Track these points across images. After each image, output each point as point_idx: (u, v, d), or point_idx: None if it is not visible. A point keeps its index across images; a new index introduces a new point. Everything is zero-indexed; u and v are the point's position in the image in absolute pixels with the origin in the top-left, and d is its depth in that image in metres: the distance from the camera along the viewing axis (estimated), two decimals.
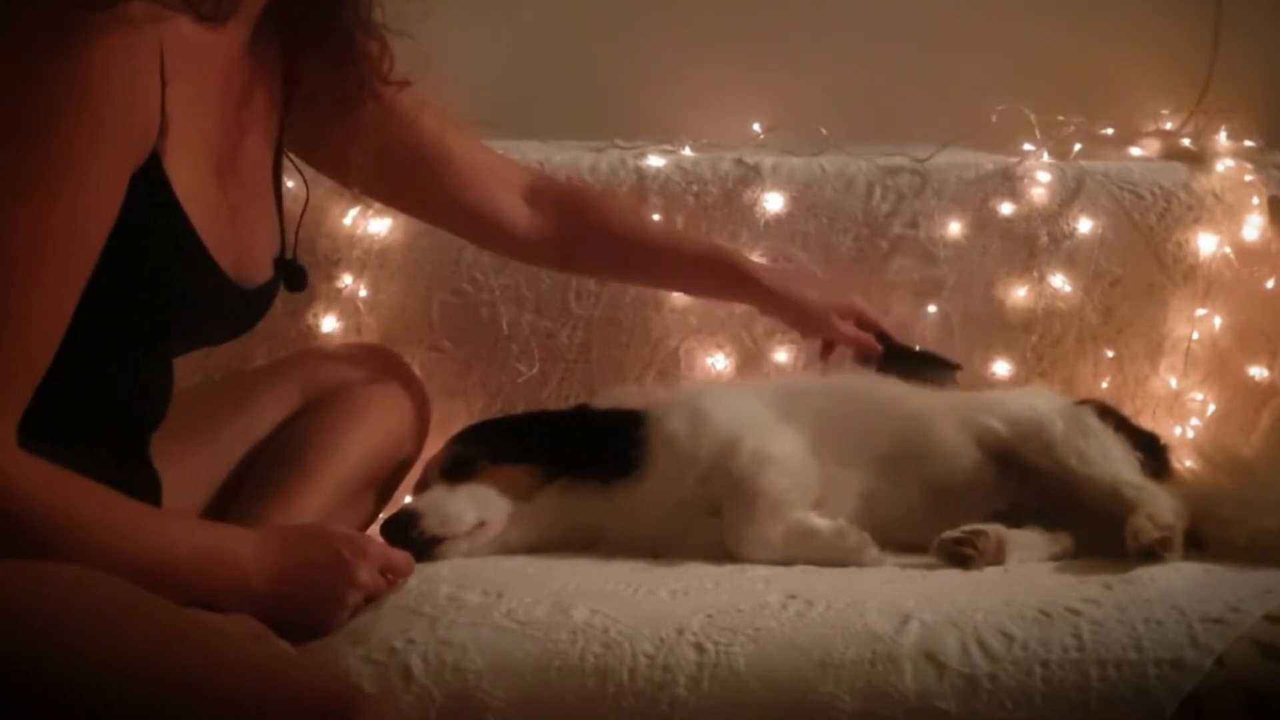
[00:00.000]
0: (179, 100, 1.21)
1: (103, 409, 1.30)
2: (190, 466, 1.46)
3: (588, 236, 1.70)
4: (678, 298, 1.93)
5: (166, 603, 1.08)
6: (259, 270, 1.39)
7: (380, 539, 1.41)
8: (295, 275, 1.48)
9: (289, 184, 1.55)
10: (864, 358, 1.77)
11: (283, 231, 1.46)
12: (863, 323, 1.78)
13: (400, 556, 1.33)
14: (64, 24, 1.10)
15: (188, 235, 1.24)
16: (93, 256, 1.15)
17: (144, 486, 1.36)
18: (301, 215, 1.51)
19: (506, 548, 1.52)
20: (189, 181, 1.24)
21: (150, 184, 1.19)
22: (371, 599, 1.27)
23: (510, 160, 1.71)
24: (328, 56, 1.40)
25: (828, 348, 1.80)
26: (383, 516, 1.60)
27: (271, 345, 1.85)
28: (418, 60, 1.48)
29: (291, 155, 1.52)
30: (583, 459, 1.54)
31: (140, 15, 1.14)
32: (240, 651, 1.06)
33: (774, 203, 1.95)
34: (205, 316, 1.34)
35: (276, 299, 1.47)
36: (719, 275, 1.74)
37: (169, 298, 1.27)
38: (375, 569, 1.27)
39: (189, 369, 1.80)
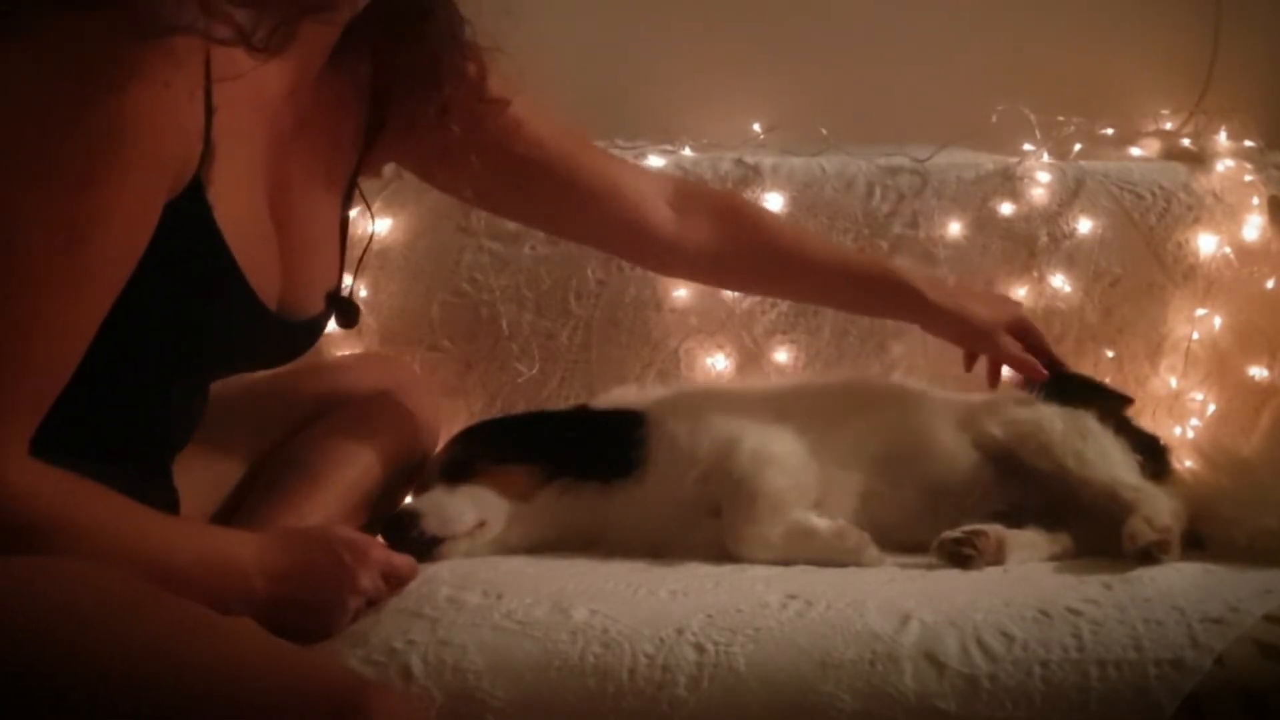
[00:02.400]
0: (227, 128, 1.19)
1: (135, 431, 1.30)
2: (198, 473, 1.45)
3: (744, 246, 1.62)
4: (678, 298, 1.93)
5: (173, 597, 1.08)
6: (308, 304, 1.37)
7: (382, 542, 1.41)
8: (347, 311, 1.47)
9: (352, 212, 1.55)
10: (1028, 382, 1.65)
11: (342, 268, 1.45)
12: (1030, 343, 1.67)
13: (403, 561, 1.33)
14: (104, 57, 1.09)
15: (227, 264, 1.22)
16: (117, 285, 1.14)
17: (162, 503, 1.35)
18: (363, 254, 1.48)
19: (506, 548, 1.52)
20: (234, 210, 1.22)
21: (192, 210, 1.18)
22: (373, 603, 1.27)
23: (651, 170, 1.67)
24: (418, 83, 1.38)
25: (994, 370, 1.69)
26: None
27: None
28: (514, 72, 1.46)
29: (363, 189, 1.49)
30: (583, 459, 1.54)
31: (183, 48, 1.12)
32: (249, 646, 1.06)
33: (774, 203, 1.95)
34: (242, 346, 1.34)
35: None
36: (880, 290, 1.64)
37: (204, 325, 1.26)
38: (377, 574, 1.27)
39: None
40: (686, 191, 1.64)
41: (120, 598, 1.05)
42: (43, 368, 1.12)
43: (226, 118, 1.19)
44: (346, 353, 1.88)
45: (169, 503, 1.37)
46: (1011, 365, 1.65)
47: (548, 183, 1.53)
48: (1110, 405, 1.64)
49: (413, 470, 1.62)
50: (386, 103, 1.40)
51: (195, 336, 1.27)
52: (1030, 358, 1.64)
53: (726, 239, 1.61)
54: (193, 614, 1.08)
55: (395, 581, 1.30)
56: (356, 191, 1.50)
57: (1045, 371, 1.65)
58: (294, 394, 1.58)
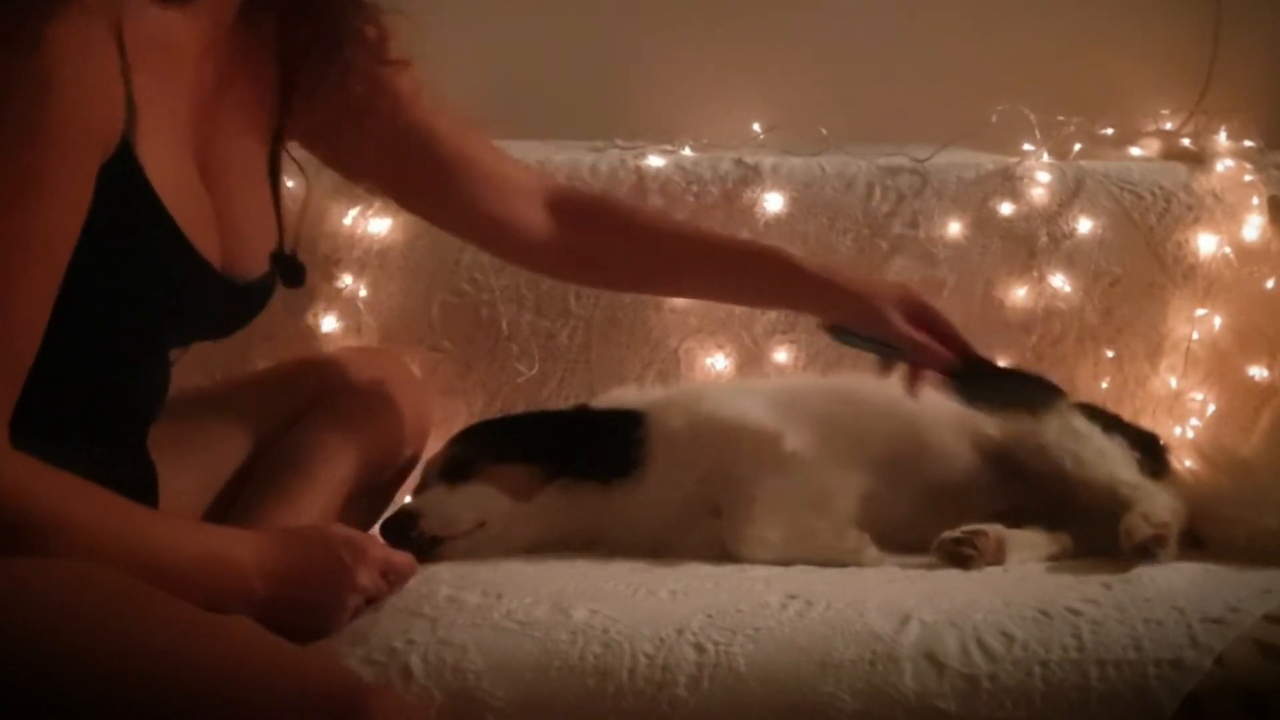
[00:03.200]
0: (146, 87, 1.20)
1: (98, 405, 1.30)
2: (191, 470, 1.45)
3: (608, 241, 1.60)
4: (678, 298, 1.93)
5: (172, 598, 1.08)
6: (251, 264, 1.38)
7: (381, 540, 1.41)
8: (292, 271, 1.46)
9: (289, 183, 1.55)
10: (939, 374, 1.52)
11: (281, 227, 1.45)
12: (934, 328, 1.53)
13: (401, 558, 1.33)
14: (18, 18, 1.10)
15: (164, 222, 1.24)
16: (66, 252, 1.15)
17: (141, 479, 1.36)
18: (303, 212, 1.49)
19: (506, 548, 1.51)
20: (164, 169, 1.23)
21: (124, 172, 1.19)
22: (372, 601, 1.27)
23: (532, 169, 1.66)
24: (320, 42, 1.39)
25: (914, 374, 1.54)
26: (383, 516, 1.61)
27: (272, 345, 1.85)
28: (413, 53, 1.45)
29: (291, 151, 1.50)
30: (583, 459, 1.54)
31: (96, 6, 1.13)
32: (248, 646, 1.06)
33: (774, 203, 1.95)
34: (194, 309, 1.33)
35: (276, 297, 1.46)
36: (761, 268, 1.58)
37: (151, 287, 1.26)
38: (376, 571, 1.27)
39: (191, 369, 1.80)
40: (562, 194, 1.62)
41: (119, 599, 1.05)
42: (6, 346, 1.12)
43: (146, 78, 1.20)
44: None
45: (146, 479, 1.37)
46: (908, 345, 1.51)
47: (433, 163, 1.51)
48: (1036, 398, 1.56)
49: (405, 463, 1.62)
50: (294, 64, 1.41)
51: (144, 302, 1.27)
52: (930, 341, 1.51)
53: (590, 236, 1.59)
54: (192, 615, 1.08)
55: (395, 579, 1.30)
56: (291, 159, 1.50)
57: (949, 354, 1.51)
58: (288, 387, 1.58)
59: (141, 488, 1.34)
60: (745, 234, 1.93)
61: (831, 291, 1.54)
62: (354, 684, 1.08)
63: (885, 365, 1.56)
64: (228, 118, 1.35)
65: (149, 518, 1.21)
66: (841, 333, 1.56)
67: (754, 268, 1.59)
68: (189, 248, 1.26)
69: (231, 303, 1.39)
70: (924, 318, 1.53)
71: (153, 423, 1.39)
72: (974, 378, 1.52)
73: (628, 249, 1.61)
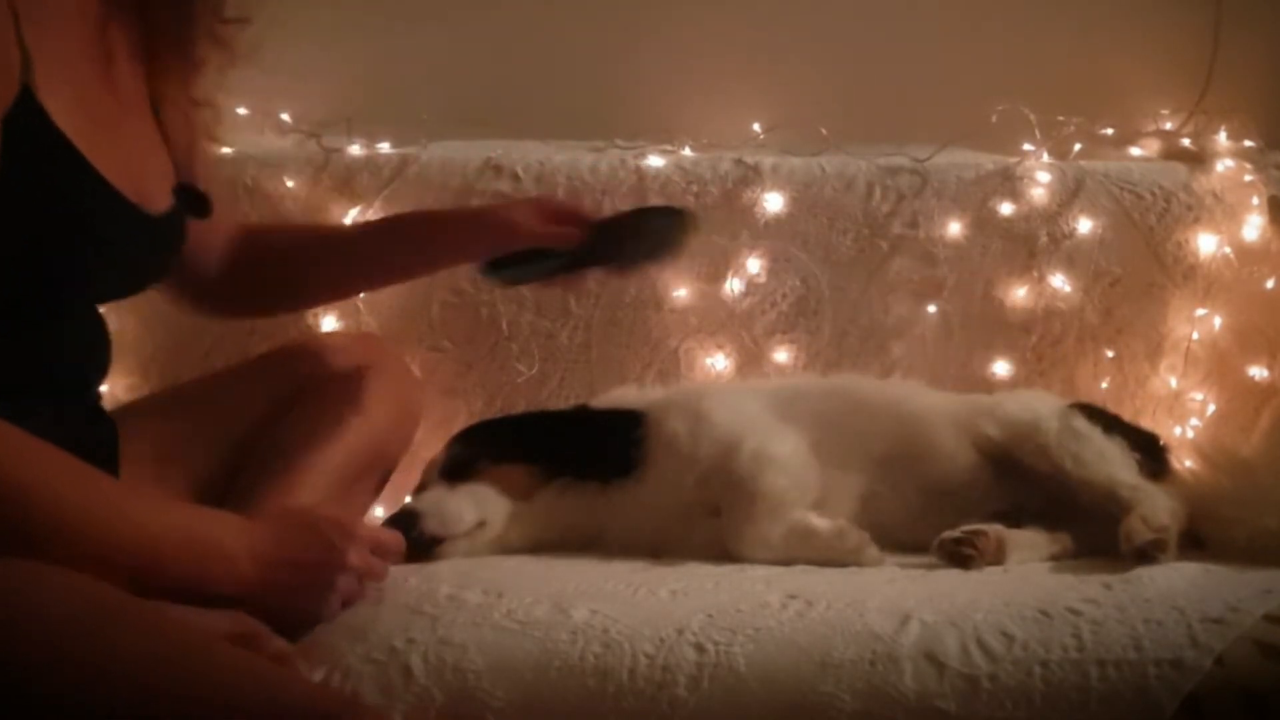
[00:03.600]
0: (38, 37, 1.23)
1: (38, 363, 1.30)
2: (184, 458, 1.46)
3: (261, 265, 1.61)
4: (678, 298, 1.93)
5: (158, 609, 1.07)
6: (158, 197, 1.39)
7: (367, 522, 1.40)
8: (197, 202, 1.46)
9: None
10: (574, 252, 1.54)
11: (176, 165, 1.45)
12: (562, 215, 1.58)
13: (388, 535, 1.33)
14: None
15: (75, 159, 1.26)
16: None
17: (100, 437, 1.37)
18: (194, 145, 1.47)
19: (506, 548, 1.52)
20: (67, 112, 1.25)
21: (29, 118, 1.21)
22: (365, 578, 1.27)
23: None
24: None
25: (573, 280, 1.63)
26: (383, 516, 1.61)
27: (272, 345, 1.84)
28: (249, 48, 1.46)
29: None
30: (583, 459, 1.54)
31: None
32: (233, 662, 1.05)
33: (774, 203, 1.95)
34: (117, 249, 1.34)
35: None
36: (406, 232, 1.62)
37: (72, 230, 1.28)
38: (365, 550, 1.27)
39: (192, 369, 1.82)
40: (241, 238, 1.62)
41: (103, 609, 1.02)
42: None
43: (36, 29, 1.22)
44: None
45: (106, 436, 1.38)
46: (544, 240, 1.55)
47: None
48: (665, 224, 1.58)
49: (395, 449, 1.62)
50: (147, 15, 1.42)
51: (68, 245, 1.28)
52: (559, 229, 1.56)
53: (244, 267, 1.60)
54: (177, 627, 1.06)
55: (384, 556, 1.30)
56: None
57: (575, 232, 1.55)
58: (274, 373, 1.58)
59: (102, 447, 1.35)
60: (745, 234, 1.94)
61: (467, 221, 1.62)
62: (342, 701, 1.07)
63: (550, 282, 1.61)
64: (114, 63, 1.37)
65: (130, 496, 1.20)
66: (497, 269, 1.57)
67: (402, 234, 1.64)
68: (100, 180, 1.28)
69: (149, 237, 1.38)
70: (557, 215, 1.58)
71: (101, 381, 1.39)
72: (607, 239, 1.56)
73: (275, 269, 1.62)
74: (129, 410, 1.56)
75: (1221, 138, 2.07)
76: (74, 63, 1.30)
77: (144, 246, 1.39)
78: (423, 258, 1.68)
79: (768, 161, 1.98)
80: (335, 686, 1.16)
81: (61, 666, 0.98)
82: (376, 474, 1.60)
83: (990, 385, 1.92)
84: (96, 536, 1.11)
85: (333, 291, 1.76)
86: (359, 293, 1.86)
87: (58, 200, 1.26)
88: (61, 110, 1.25)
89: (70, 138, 1.25)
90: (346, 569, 1.25)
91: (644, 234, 1.59)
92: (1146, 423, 1.88)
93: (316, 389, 1.55)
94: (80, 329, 1.37)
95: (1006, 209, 1.97)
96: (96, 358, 1.40)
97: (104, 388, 1.48)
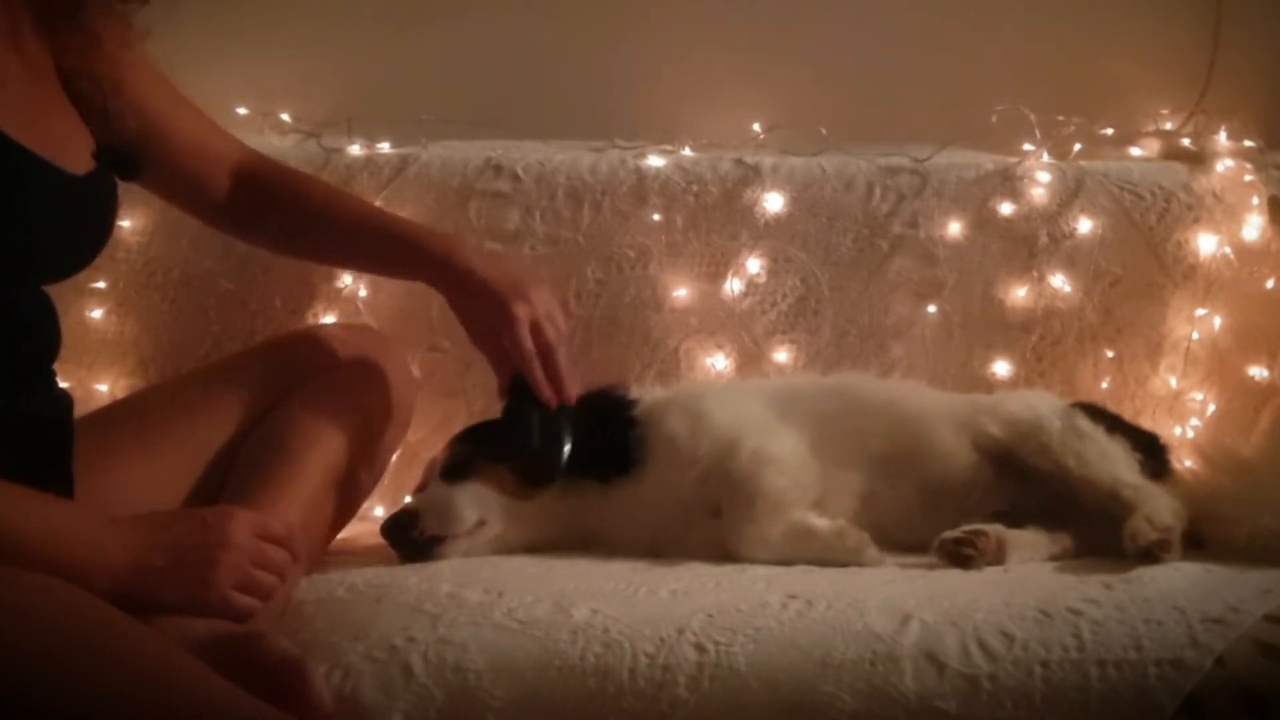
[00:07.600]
0: None
1: None
2: (174, 453, 1.46)
3: (268, 209, 1.65)
4: (678, 298, 1.93)
5: (124, 635, 1.06)
6: (77, 159, 1.38)
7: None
8: (123, 161, 1.46)
9: None
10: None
11: (93, 129, 1.44)
12: (539, 337, 1.55)
13: (272, 517, 1.29)
14: None
15: None
16: None
17: (54, 408, 1.38)
18: (106, 105, 1.47)
19: (506, 547, 1.52)
20: None
21: None
22: (265, 566, 1.24)
23: (234, 141, 1.67)
24: None
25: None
26: (383, 516, 1.60)
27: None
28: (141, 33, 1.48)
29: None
30: (582, 459, 1.54)
31: None
32: (195, 692, 1.04)
33: (774, 203, 1.95)
34: (42, 213, 1.33)
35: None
36: (411, 259, 1.59)
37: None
38: (247, 530, 1.24)
39: (187, 366, 1.82)
40: (251, 164, 1.66)
41: (65, 636, 1.02)
42: None
43: None
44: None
45: (61, 406, 1.39)
46: (508, 357, 1.54)
47: (145, 134, 1.53)
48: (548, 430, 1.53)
49: (392, 437, 1.61)
50: None
51: None
52: (523, 346, 1.53)
53: (260, 207, 1.64)
54: (140, 656, 1.05)
55: (275, 541, 1.26)
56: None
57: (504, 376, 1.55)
58: (264, 367, 1.57)
59: (56, 418, 1.36)
60: (745, 234, 1.94)
61: (471, 287, 1.55)
62: None
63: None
64: (20, 34, 1.37)
65: (3, 491, 1.18)
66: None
67: (372, 240, 1.62)
68: (13, 144, 1.28)
69: (72, 198, 1.37)
70: (539, 334, 1.55)
71: (53, 361, 1.39)
72: (518, 404, 1.54)
73: (283, 219, 1.65)
74: (128, 404, 1.57)
75: (1221, 138, 2.07)
76: None
77: (68, 207, 1.37)
78: (384, 271, 1.75)
79: (768, 161, 1.99)
80: (335, 686, 1.16)
81: (18, 703, 0.97)
82: (373, 463, 1.59)
83: (990, 385, 1.92)
84: None
85: (312, 257, 1.79)
86: (339, 267, 1.89)
87: None
88: None
89: None
90: (228, 546, 1.21)
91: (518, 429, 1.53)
92: (1146, 423, 1.88)
93: (313, 381, 1.54)
94: (22, 306, 1.35)
95: (1006, 209, 1.97)
96: (46, 336, 1.39)
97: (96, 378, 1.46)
